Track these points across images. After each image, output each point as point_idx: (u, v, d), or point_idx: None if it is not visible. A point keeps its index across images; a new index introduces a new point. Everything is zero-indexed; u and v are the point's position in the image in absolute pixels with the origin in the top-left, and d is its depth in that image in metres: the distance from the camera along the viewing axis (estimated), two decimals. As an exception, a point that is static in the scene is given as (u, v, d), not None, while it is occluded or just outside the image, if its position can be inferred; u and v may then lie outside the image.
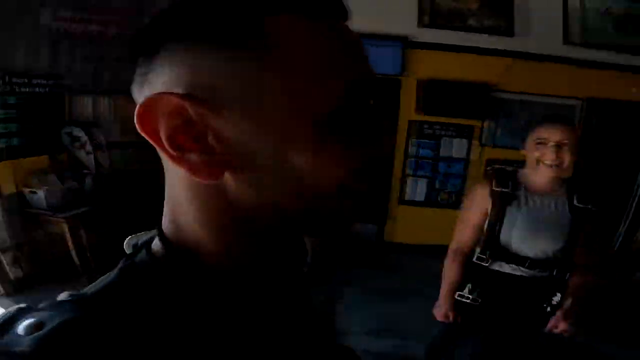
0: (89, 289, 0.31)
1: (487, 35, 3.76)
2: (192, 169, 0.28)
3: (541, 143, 1.32)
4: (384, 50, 3.64)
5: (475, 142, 3.94)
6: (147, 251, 0.33)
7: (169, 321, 0.29)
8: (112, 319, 0.27)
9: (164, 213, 0.34)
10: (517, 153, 3.86)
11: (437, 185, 4.03)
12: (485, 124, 3.90)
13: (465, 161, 3.97)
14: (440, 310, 1.52)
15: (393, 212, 4.06)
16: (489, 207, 1.42)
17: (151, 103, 0.27)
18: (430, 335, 1.67)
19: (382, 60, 3.65)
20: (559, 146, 1.29)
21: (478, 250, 1.47)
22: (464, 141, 3.95)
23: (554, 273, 1.40)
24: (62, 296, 0.30)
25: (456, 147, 3.96)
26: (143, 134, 0.28)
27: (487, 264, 1.44)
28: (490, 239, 1.42)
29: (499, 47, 3.75)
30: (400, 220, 4.07)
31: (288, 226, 0.33)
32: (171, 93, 0.27)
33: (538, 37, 3.76)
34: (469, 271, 1.49)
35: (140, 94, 0.31)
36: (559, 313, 1.36)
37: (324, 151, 0.29)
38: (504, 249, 1.41)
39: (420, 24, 3.74)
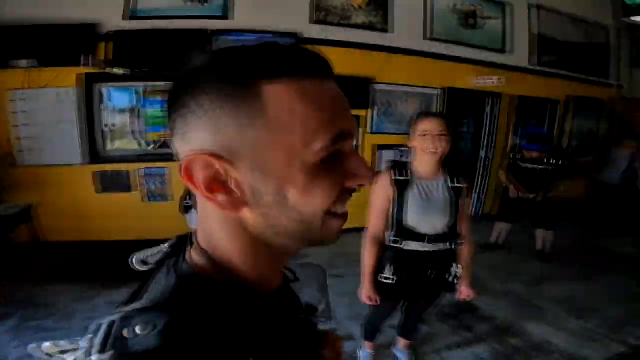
0: (155, 294, 0.39)
1: (368, 31, 4.26)
2: (221, 206, 0.39)
3: (424, 135, 1.58)
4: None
5: (361, 130, 4.46)
6: (187, 263, 0.43)
7: (226, 314, 0.39)
8: (195, 317, 0.37)
9: (199, 235, 0.45)
10: (393, 138, 4.52)
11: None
12: (368, 113, 4.44)
13: (358, 147, 4.48)
14: (365, 293, 1.72)
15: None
16: (392, 194, 1.63)
17: (191, 160, 0.38)
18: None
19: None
20: (438, 136, 1.56)
21: (391, 233, 1.68)
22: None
23: (450, 245, 1.67)
24: (138, 305, 0.37)
25: (351, 136, 4.44)
26: (186, 182, 0.38)
27: (400, 245, 1.66)
28: (397, 222, 1.64)
29: (378, 43, 4.29)
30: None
31: (291, 243, 0.43)
32: (204, 153, 0.37)
33: (405, 34, 4.42)
34: (387, 253, 1.71)
35: (181, 147, 0.40)
36: (463, 284, 1.74)
37: (313, 188, 0.38)
38: (408, 229, 1.64)
39: (312, 20, 4.02)
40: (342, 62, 4.12)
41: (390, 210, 1.65)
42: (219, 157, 0.37)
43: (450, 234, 1.65)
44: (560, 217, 4.03)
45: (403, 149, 4.66)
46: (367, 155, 4.46)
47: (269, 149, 0.37)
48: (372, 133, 4.46)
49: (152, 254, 0.47)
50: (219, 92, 0.37)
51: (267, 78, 0.36)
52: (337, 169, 0.40)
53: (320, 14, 4.06)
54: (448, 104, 4.69)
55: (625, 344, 2.43)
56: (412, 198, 1.61)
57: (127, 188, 3.94)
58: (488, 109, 5.07)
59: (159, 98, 3.87)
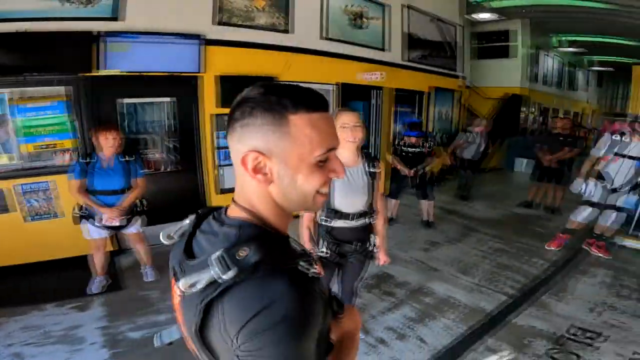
0: (225, 237, 0.62)
1: (271, 32, 4.35)
2: (259, 182, 0.63)
3: (343, 127, 1.84)
4: (183, 49, 3.63)
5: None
6: (231, 218, 0.66)
7: (278, 238, 0.66)
8: (265, 239, 0.61)
9: (241, 202, 0.67)
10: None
11: (248, 169, 4.53)
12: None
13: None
14: None
15: (214, 203, 4.31)
16: None
17: (247, 155, 0.61)
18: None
19: (182, 59, 3.65)
20: (355, 127, 1.86)
21: (322, 213, 1.96)
22: (263, 127, 4.55)
23: (369, 220, 2.01)
24: (227, 244, 0.60)
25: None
26: (243, 168, 0.62)
27: (329, 224, 1.97)
28: (326, 205, 1.91)
29: (281, 43, 4.43)
30: (224, 208, 4.38)
31: (295, 208, 0.68)
32: (254, 151, 0.61)
33: (305, 34, 4.66)
34: (319, 231, 2.01)
35: (237, 146, 0.63)
36: (381, 252, 2.10)
37: (312, 177, 0.63)
38: (335, 210, 1.94)
39: (215, 22, 3.89)
40: (248, 63, 4.17)
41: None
42: (262, 154, 0.62)
43: (369, 211, 1.99)
44: (434, 189, 5.01)
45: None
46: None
47: (290, 153, 0.62)
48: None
49: (175, 230, 0.73)
50: (265, 117, 0.61)
51: (291, 111, 0.61)
52: (325, 166, 0.66)
53: (224, 16, 3.97)
54: (342, 97, 5.18)
55: (506, 294, 3.11)
56: (338, 184, 1.89)
57: (4, 209, 3.29)
58: (374, 101, 5.79)
59: (31, 105, 3.27)
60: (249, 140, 0.62)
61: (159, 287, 3.12)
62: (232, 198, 0.69)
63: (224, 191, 4.33)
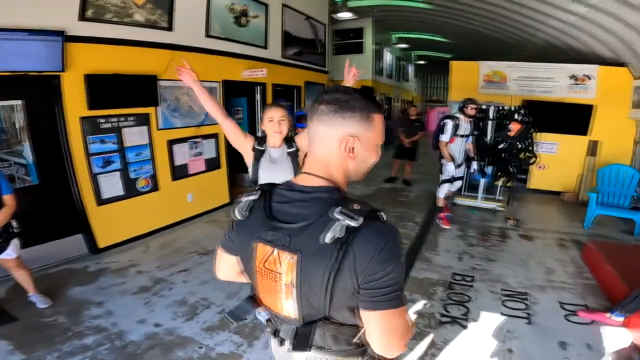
0: (323, 199, 0.80)
1: (151, 29, 3.93)
2: (345, 158, 0.84)
3: (270, 121, 2.08)
4: (39, 46, 2.97)
5: (153, 127, 4.23)
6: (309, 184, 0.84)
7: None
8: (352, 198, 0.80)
9: (318, 172, 0.85)
10: (184, 131, 4.53)
11: (132, 175, 4.08)
12: (153, 110, 4.22)
13: (150, 146, 4.23)
14: None
15: (95, 216, 3.77)
16: (252, 157, 2.13)
17: (345, 137, 0.82)
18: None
19: (38, 57, 3.01)
20: (280, 121, 2.08)
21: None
22: (144, 128, 4.14)
23: None
24: (334, 204, 0.76)
25: (139, 135, 4.09)
26: (333, 146, 0.83)
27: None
28: (253, 180, 2.12)
29: (163, 41, 4.06)
30: (107, 221, 3.87)
31: (357, 178, 0.91)
32: (351, 135, 0.83)
33: (188, 32, 4.37)
34: None
35: (332, 129, 0.82)
36: None
37: (374, 156, 0.89)
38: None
39: (82, 17, 3.29)
40: (124, 61, 3.75)
41: (251, 171, 2.15)
42: (355, 137, 0.83)
43: None
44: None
45: (197, 140, 4.80)
46: (160, 151, 4.32)
47: (371, 139, 0.85)
48: (161, 129, 4.31)
49: (243, 207, 0.88)
50: (362, 114, 0.83)
51: (373, 112, 0.85)
52: (379, 147, 0.90)
53: (93, 11, 3.37)
54: (225, 94, 5.11)
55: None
56: (263, 163, 2.12)
57: None
58: (258, 96, 5.88)
59: None
60: (347, 128, 0.82)
61: (60, 311, 2.75)
62: (306, 171, 0.86)
63: (104, 202, 3.83)
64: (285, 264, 0.80)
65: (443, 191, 4.81)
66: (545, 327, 2.62)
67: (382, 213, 0.80)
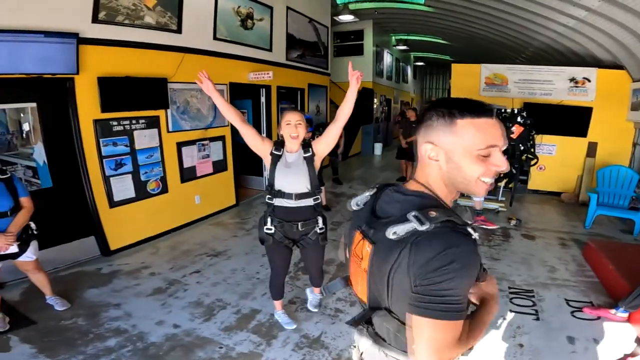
0: (410, 204, 0.83)
1: (161, 32, 3.98)
2: (431, 165, 0.86)
3: (288, 124, 2.15)
4: (54, 48, 3.02)
5: (163, 130, 4.28)
6: (411, 190, 0.88)
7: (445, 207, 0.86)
8: (449, 213, 0.80)
9: (420, 178, 0.89)
10: (192, 133, 4.57)
11: (143, 178, 4.13)
12: (163, 112, 4.26)
13: (160, 148, 4.28)
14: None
15: (107, 218, 3.82)
16: (270, 160, 2.18)
17: (424, 145, 0.86)
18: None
19: (53, 59, 3.05)
20: (297, 125, 2.14)
21: (267, 194, 2.23)
22: (155, 130, 4.19)
23: (314, 201, 2.23)
24: (412, 211, 0.79)
25: (149, 138, 4.14)
26: (424, 154, 0.86)
27: (271, 201, 2.21)
28: (270, 184, 2.20)
29: (172, 43, 4.11)
30: (118, 223, 3.92)
31: (457, 189, 0.88)
32: (433, 143, 0.84)
33: (196, 34, 4.42)
34: (266, 209, 2.26)
35: (422, 138, 0.87)
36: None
37: (473, 166, 0.81)
38: (277, 190, 2.18)
39: (95, 19, 3.34)
40: (134, 63, 3.79)
41: (267, 176, 2.22)
42: (432, 143, 0.85)
43: (312, 192, 2.21)
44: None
45: (205, 142, 4.85)
46: (170, 153, 4.37)
47: (455, 146, 0.82)
48: (170, 132, 4.36)
49: (361, 199, 0.99)
50: (439, 121, 0.84)
51: (457, 117, 0.82)
52: (486, 160, 0.81)
53: (105, 13, 3.41)
54: (231, 96, 5.15)
55: None
56: (280, 166, 2.17)
57: None
58: (263, 99, 5.93)
59: None
60: (428, 136, 0.85)
61: (78, 313, 2.79)
62: (413, 177, 0.92)
63: (116, 204, 3.86)
64: (365, 252, 0.89)
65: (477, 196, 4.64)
66: (553, 323, 2.71)
67: (468, 227, 0.79)
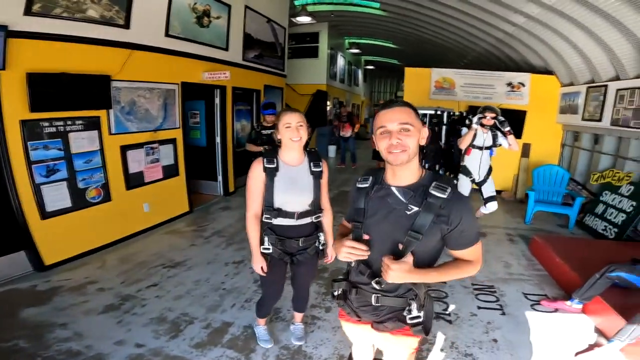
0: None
1: (106, 26, 3.53)
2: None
3: (288, 127, 1.80)
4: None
5: (104, 132, 3.80)
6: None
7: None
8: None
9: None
10: (139, 136, 4.14)
11: (81, 185, 3.63)
12: (104, 113, 3.78)
13: (101, 152, 3.79)
14: (256, 264, 1.91)
15: (39, 231, 3.29)
16: (265, 179, 1.81)
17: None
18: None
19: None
20: (298, 127, 1.80)
21: (265, 212, 1.85)
22: (94, 132, 3.70)
23: (315, 219, 1.94)
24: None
25: (88, 140, 3.65)
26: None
27: (272, 221, 1.87)
28: (267, 203, 1.84)
29: (118, 39, 3.67)
30: (54, 235, 3.40)
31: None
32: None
33: (146, 30, 3.99)
34: (264, 228, 1.90)
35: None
36: (328, 249, 2.02)
37: (378, 143, 1.18)
38: (278, 208, 1.84)
39: (28, 11, 2.85)
40: (74, 59, 3.37)
41: (263, 193, 1.85)
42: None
43: (314, 210, 1.93)
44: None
45: (154, 145, 4.41)
46: (113, 158, 3.90)
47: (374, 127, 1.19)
48: (114, 134, 3.88)
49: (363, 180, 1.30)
50: None
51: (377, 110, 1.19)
52: (385, 138, 1.13)
53: (40, 5, 2.93)
54: (183, 96, 4.75)
55: None
56: (281, 182, 1.82)
57: None
58: (217, 100, 5.56)
59: None
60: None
61: (19, 335, 2.41)
62: None
63: (49, 215, 3.36)
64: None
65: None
66: (519, 317, 2.76)
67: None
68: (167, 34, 4.31)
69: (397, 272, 1.11)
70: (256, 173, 1.84)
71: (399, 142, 1.12)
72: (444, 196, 1.12)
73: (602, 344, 2.30)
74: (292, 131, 1.81)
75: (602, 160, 5.25)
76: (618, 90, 4.71)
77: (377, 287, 1.22)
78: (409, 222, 1.14)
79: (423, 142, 1.18)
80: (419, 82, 6.88)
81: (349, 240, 1.21)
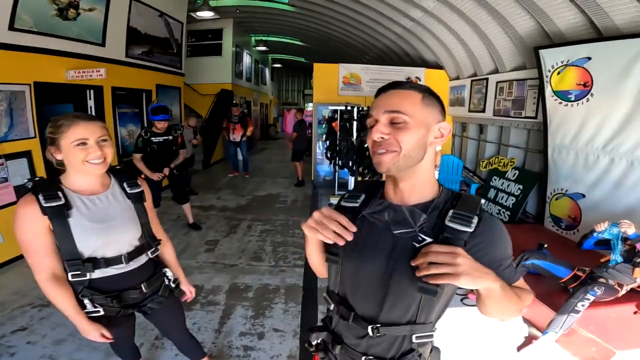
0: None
1: None
2: None
3: (82, 144, 1.16)
4: None
5: None
6: None
7: None
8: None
9: None
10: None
11: None
12: None
13: None
14: (92, 336, 1.27)
15: None
16: (50, 224, 1.15)
17: None
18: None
19: None
20: (100, 143, 1.19)
21: (69, 268, 1.20)
22: None
23: (152, 254, 1.40)
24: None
25: None
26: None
27: (89, 277, 1.23)
28: (69, 256, 1.19)
29: None
30: None
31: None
32: None
33: None
34: (77, 288, 1.24)
35: None
36: (182, 284, 1.58)
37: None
38: (91, 258, 1.23)
39: None
40: None
41: (57, 244, 1.19)
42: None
43: (148, 243, 1.40)
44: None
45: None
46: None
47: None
48: None
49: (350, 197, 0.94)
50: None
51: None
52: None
53: None
54: (38, 99, 3.65)
55: (299, 266, 3.44)
56: (80, 223, 1.19)
57: None
58: (91, 102, 4.52)
59: None
60: None
61: None
62: None
63: None
64: None
65: None
66: (457, 311, 2.62)
67: None
68: (11, 28, 3.26)
69: (471, 263, 0.64)
70: (30, 223, 1.14)
71: (383, 138, 0.75)
72: (469, 230, 0.74)
73: (538, 337, 2.26)
74: (92, 151, 1.17)
75: (488, 148, 5.64)
76: (498, 82, 5.11)
77: (371, 334, 0.82)
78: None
79: (438, 144, 0.79)
80: (327, 78, 6.70)
81: (327, 209, 0.77)
